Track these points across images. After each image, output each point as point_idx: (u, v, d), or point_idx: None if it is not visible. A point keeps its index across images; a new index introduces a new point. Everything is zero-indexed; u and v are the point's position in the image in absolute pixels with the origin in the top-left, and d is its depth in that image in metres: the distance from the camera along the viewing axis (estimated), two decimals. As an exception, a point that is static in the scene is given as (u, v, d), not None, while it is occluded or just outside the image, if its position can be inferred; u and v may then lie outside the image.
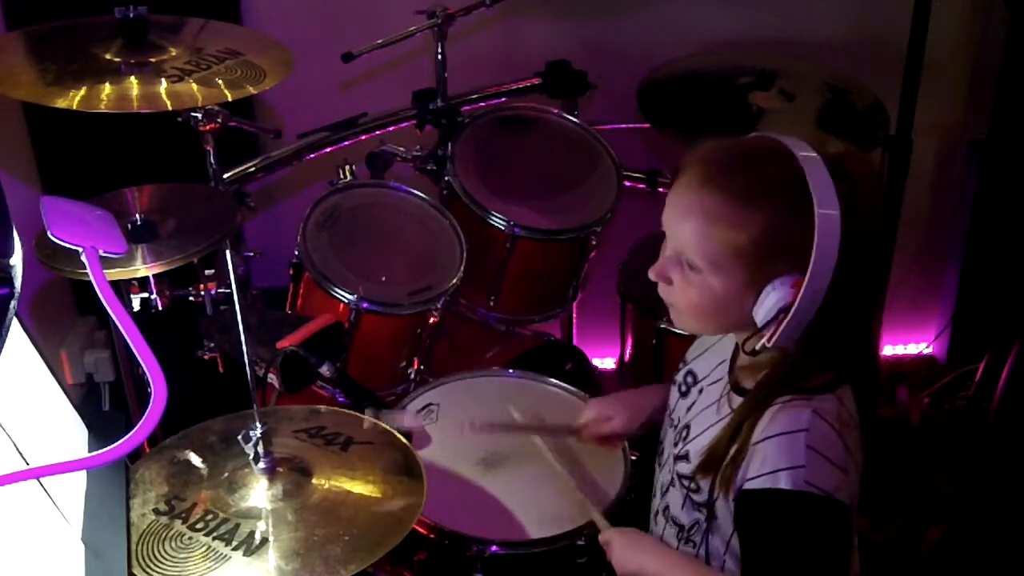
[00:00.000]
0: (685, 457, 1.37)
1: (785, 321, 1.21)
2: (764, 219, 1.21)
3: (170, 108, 1.66)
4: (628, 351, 2.40)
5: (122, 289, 1.76)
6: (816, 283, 1.18)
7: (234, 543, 1.20)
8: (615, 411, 1.61)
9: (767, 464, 1.22)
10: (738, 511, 1.27)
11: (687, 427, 1.40)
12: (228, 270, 1.27)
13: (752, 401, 1.28)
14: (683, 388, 1.46)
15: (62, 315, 2.72)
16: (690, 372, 1.46)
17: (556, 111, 2.33)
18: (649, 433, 1.59)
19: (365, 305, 1.90)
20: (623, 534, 1.43)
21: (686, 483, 1.36)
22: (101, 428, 1.24)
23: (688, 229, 1.26)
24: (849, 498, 1.23)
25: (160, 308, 1.79)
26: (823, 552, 1.21)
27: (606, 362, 2.87)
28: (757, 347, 1.25)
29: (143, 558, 1.18)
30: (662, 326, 2.16)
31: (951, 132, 2.82)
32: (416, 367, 2.05)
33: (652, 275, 1.33)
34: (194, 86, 1.69)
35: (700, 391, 1.42)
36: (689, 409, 1.42)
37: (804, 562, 1.20)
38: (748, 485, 1.24)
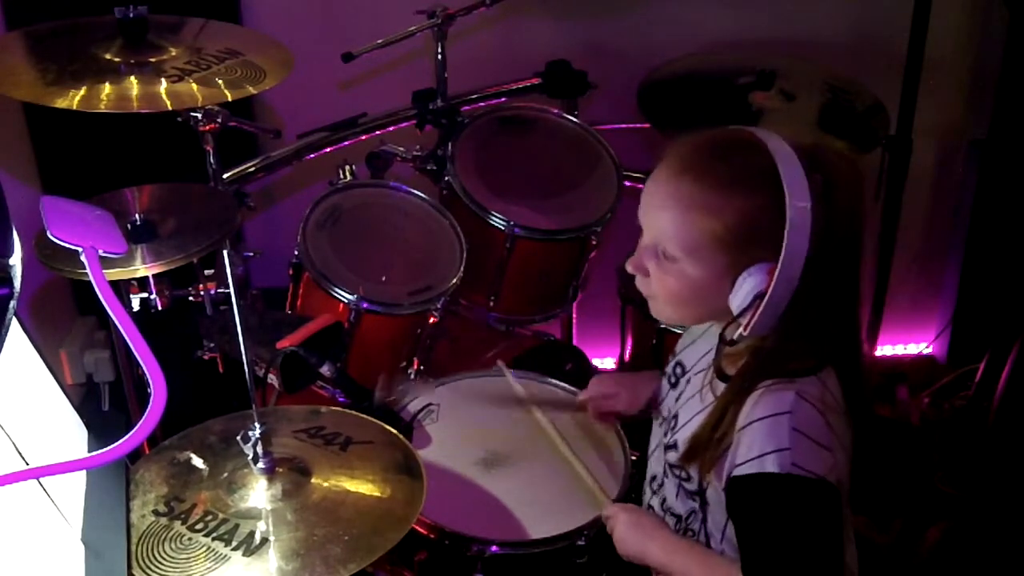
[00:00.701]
0: (674, 446, 1.38)
1: (760, 308, 1.21)
2: (741, 206, 1.22)
3: (170, 108, 1.67)
4: (628, 351, 2.40)
5: (122, 289, 1.76)
6: (789, 270, 1.19)
7: (234, 543, 1.20)
8: (618, 390, 1.64)
9: (754, 449, 1.23)
10: (729, 498, 1.28)
11: (675, 417, 1.41)
12: (227, 270, 1.27)
13: (734, 387, 1.29)
14: (672, 380, 1.47)
15: (62, 315, 2.72)
16: (679, 364, 1.47)
17: (556, 111, 2.33)
18: (644, 428, 1.60)
19: (365, 305, 1.90)
20: (627, 512, 1.43)
21: (677, 472, 1.37)
22: (101, 428, 1.24)
23: (665, 218, 1.27)
24: (837, 479, 1.24)
25: (160, 308, 1.79)
26: (816, 533, 1.22)
27: (606, 362, 2.87)
28: (734, 336, 1.26)
29: (143, 559, 1.18)
30: (662, 326, 2.16)
31: (951, 132, 2.82)
32: (416, 367, 2.05)
33: (629, 267, 1.35)
34: (194, 86, 1.69)
35: (688, 381, 1.43)
36: (677, 399, 1.43)
37: (798, 544, 1.21)
38: (737, 471, 1.25)
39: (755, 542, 1.24)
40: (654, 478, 1.48)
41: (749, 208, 1.22)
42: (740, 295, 1.23)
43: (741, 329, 1.25)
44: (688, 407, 1.39)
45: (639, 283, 1.35)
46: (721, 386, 1.33)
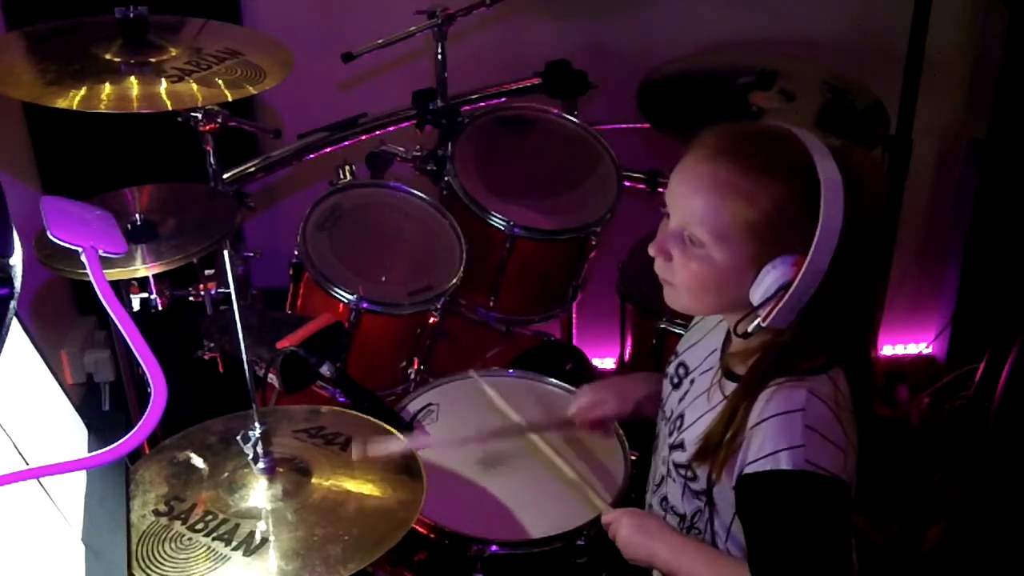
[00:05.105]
0: (680, 446, 1.37)
1: (783, 300, 1.21)
2: (776, 195, 1.22)
3: (170, 108, 1.67)
4: (628, 351, 2.40)
5: (122, 289, 1.76)
6: (817, 263, 1.20)
7: (234, 543, 1.20)
8: (606, 396, 1.63)
9: (767, 446, 1.23)
10: (739, 496, 1.28)
11: (681, 416, 1.41)
12: (227, 270, 1.27)
13: (746, 385, 1.29)
14: (675, 380, 1.47)
15: (62, 315, 2.72)
16: (681, 364, 1.47)
17: (556, 111, 2.33)
18: (644, 428, 1.60)
19: (365, 305, 1.90)
20: (630, 516, 1.43)
21: (683, 472, 1.37)
22: (101, 428, 1.24)
23: (697, 202, 1.26)
24: (848, 477, 1.24)
25: (160, 308, 1.79)
26: (828, 530, 1.22)
27: (606, 362, 2.87)
28: (750, 328, 1.26)
29: (143, 559, 1.18)
30: (662, 326, 2.16)
31: (951, 132, 2.82)
32: (416, 367, 2.05)
33: (652, 250, 1.33)
34: (194, 86, 1.69)
35: (692, 381, 1.43)
36: (681, 400, 1.43)
37: (810, 541, 1.21)
38: (749, 469, 1.25)
39: (765, 539, 1.24)
40: (656, 478, 1.48)
41: (784, 197, 1.22)
42: (764, 285, 1.23)
43: (759, 320, 1.24)
44: (695, 407, 1.39)
45: (658, 267, 1.34)
46: (730, 385, 1.33)
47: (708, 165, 1.26)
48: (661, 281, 1.35)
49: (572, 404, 1.65)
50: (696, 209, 1.26)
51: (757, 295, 1.24)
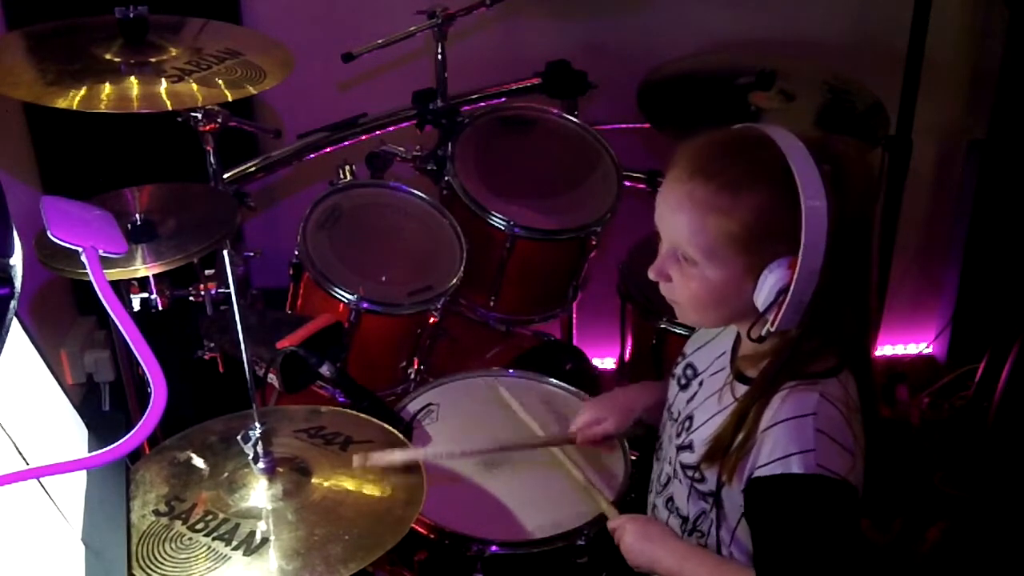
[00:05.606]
0: (689, 447, 1.37)
1: (785, 302, 1.21)
2: (754, 204, 1.22)
3: (170, 108, 1.67)
4: (628, 351, 2.40)
5: (122, 289, 1.76)
6: (809, 262, 1.20)
7: (234, 543, 1.20)
8: (606, 413, 1.63)
9: (778, 449, 1.23)
10: (749, 499, 1.28)
11: (689, 418, 1.40)
12: (227, 270, 1.27)
13: (757, 388, 1.29)
14: (683, 381, 1.46)
15: (62, 315, 2.72)
16: (689, 365, 1.47)
17: (556, 111, 2.33)
18: (647, 433, 1.60)
19: (365, 305, 1.90)
20: (635, 522, 1.44)
21: (690, 473, 1.37)
22: (101, 428, 1.25)
23: (681, 223, 1.27)
24: (856, 480, 1.25)
25: (160, 308, 1.79)
26: (837, 534, 1.22)
27: (606, 362, 2.87)
28: (763, 332, 1.26)
29: (143, 559, 1.18)
30: (662, 326, 2.16)
31: (951, 132, 2.82)
32: (416, 367, 2.05)
33: (651, 274, 1.34)
34: (194, 86, 1.69)
35: (700, 383, 1.43)
36: (690, 401, 1.43)
37: (821, 545, 1.21)
38: (759, 472, 1.25)
39: (774, 543, 1.24)
40: (661, 478, 1.48)
41: (762, 205, 1.22)
42: (764, 291, 1.24)
43: (768, 326, 1.25)
44: (704, 408, 1.39)
45: (663, 289, 1.35)
46: (741, 388, 1.33)
47: (685, 186, 1.26)
48: (668, 302, 1.36)
49: (574, 422, 1.65)
50: (682, 230, 1.27)
51: (760, 301, 1.25)
